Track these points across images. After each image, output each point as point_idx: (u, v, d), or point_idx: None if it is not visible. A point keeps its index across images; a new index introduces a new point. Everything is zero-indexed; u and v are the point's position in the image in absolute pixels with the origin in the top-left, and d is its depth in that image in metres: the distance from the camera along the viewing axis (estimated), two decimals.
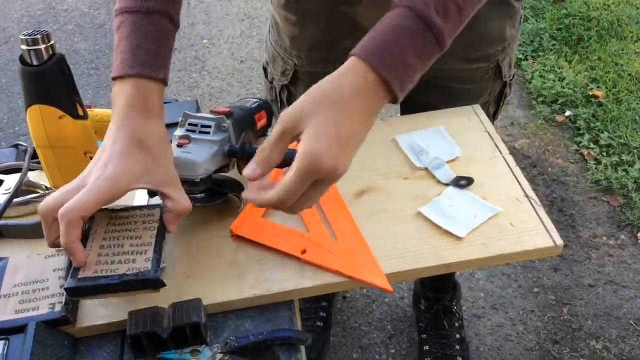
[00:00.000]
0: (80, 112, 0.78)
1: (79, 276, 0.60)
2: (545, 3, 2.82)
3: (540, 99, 2.32)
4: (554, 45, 2.57)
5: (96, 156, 0.64)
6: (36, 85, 0.75)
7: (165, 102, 0.99)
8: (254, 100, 0.90)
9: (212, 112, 0.78)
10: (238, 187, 0.77)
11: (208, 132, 0.73)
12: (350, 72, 0.58)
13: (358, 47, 0.59)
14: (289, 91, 1.03)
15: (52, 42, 0.74)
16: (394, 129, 0.90)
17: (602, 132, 2.09)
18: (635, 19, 2.68)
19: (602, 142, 2.07)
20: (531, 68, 2.47)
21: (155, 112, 0.67)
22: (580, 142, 2.10)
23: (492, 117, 1.06)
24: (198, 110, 0.96)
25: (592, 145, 2.08)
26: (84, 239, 0.62)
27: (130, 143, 0.63)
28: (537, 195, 0.78)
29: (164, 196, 0.65)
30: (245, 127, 0.81)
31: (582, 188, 1.94)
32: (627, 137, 2.06)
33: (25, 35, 0.72)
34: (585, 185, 1.95)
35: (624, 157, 1.99)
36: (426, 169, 0.82)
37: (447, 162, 0.83)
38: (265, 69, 1.08)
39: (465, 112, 0.92)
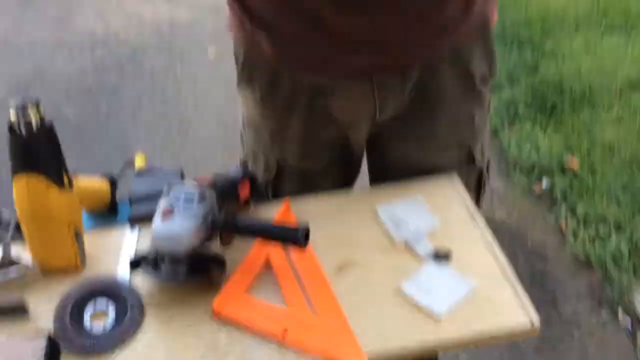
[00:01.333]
0: (67, 182, 0.79)
1: None
2: (520, 70, 2.92)
3: (517, 168, 2.39)
4: (529, 113, 2.65)
5: None
6: (24, 154, 0.75)
7: (150, 171, 1.02)
8: (237, 169, 0.92)
9: (196, 180, 0.79)
10: (220, 261, 0.78)
11: (192, 203, 0.74)
12: None
13: None
14: (274, 187, 1.04)
15: (41, 110, 0.74)
16: (374, 199, 0.92)
17: (578, 204, 2.15)
18: (607, 87, 2.78)
19: (579, 214, 2.12)
20: (507, 137, 2.54)
21: None
22: (558, 213, 2.15)
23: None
24: (182, 179, 0.98)
25: (569, 217, 2.13)
26: None
27: None
28: (517, 269, 0.79)
29: None
30: (229, 198, 0.83)
31: (562, 262, 1.98)
32: (603, 209, 2.12)
33: (15, 104, 0.72)
34: (565, 260, 1.99)
35: (600, 229, 2.04)
36: (406, 241, 0.84)
37: (427, 234, 0.85)
38: (245, 165, 1.09)
39: (443, 183, 0.95)
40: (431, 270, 0.80)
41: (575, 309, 1.82)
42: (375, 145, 1.01)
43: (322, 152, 0.99)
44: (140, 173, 1.00)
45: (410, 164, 0.98)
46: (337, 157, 1.02)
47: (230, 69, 3.29)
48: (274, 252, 0.82)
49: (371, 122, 0.95)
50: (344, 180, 1.07)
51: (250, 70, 0.95)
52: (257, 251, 0.83)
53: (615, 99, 2.70)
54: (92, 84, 3.02)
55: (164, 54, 3.25)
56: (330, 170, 1.03)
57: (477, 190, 1.07)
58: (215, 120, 2.77)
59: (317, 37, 0.84)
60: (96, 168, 2.53)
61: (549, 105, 2.67)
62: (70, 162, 0.79)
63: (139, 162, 1.12)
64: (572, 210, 2.15)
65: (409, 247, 0.84)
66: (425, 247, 0.83)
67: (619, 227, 2.05)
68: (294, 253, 0.82)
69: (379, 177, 1.01)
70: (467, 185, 1.03)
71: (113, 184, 0.97)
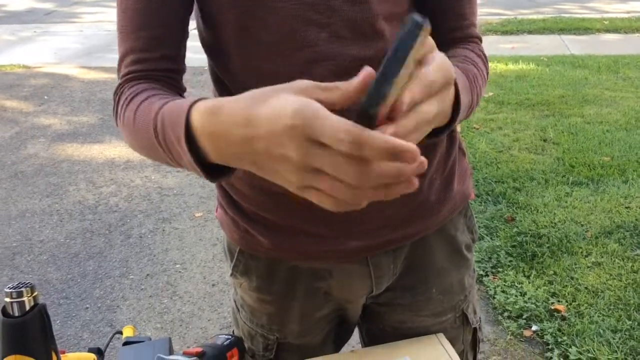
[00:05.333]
0: None
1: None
2: (497, 222, 3.04)
3: (505, 314, 2.39)
4: (510, 261, 2.72)
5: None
6: (15, 336, 0.77)
7: (137, 342, 1.02)
8: (226, 337, 0.93)
9: (185, 353, 0.80)
10: None
11: None
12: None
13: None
14: None
15: (35, 293, 0.78)
16: None
17: (571, 347, 2.13)
18: (582, 235, 2.89)
19: (572, 357, 2.09)
20: (492, 284, 2.57)
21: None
22: (551, 357, 2.11)
23: None
24: (171, 350, 0.98)
25: None
26: None
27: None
28: None
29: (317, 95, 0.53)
30: None
31: None
32: (595, 351, 2.09)
33: (10, 289, 0.77)
34: None
35: None
36: None
37: None
38: (234, 335, 1.07)
39: (431, 342, 0.96)
40: None
41: None
42: (370, 314, 1.03)
43: (321, 327, 1.01)
44: (128, 344, 1.01)
45: (406, 329, 1.00)
46: (334, 328, 1.04)
47: (216, 230, 3.40)
48: None
49: (367, 295, 0.99)
50: (340, 345, 1.08)
51: (245, 263, 0.96)
52: None
53: (592, 245, 2.79)
54: (79, 249, 3.06)
55: (152, 218, 3.34)
56: (328, 340, 1.04)
57: (474, 349, 1.07)
58: (202, 278, 2.78)
59: (314, 228, 0.87)
60: (81, 333, 2.50)
61: (529, 254, 2.74)
62: (54, 328, 0.81)
63: (128, 333, 1.15)
64: (565, 354, 2.12)
65: None
66: None
67: None
68: None
69: (376, 342, 1.02)
70: (463, 344, 1.05)
71: (100, 356, 0.99)
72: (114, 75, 6.20)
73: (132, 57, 0.78)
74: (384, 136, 0.49)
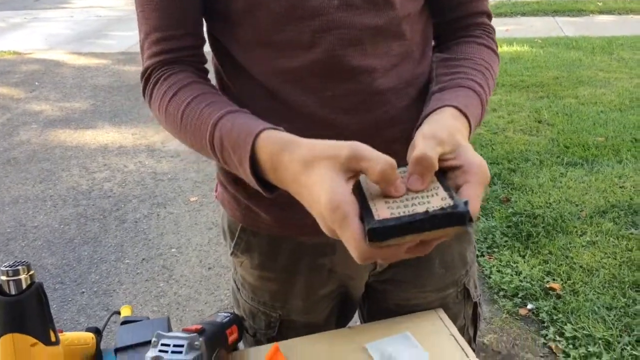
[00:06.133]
0: (53, 339, 0.79)
1: (377, 219, 0.56)
2: (492, 203, 3.04)
3: (501, 293, 2.40)
4: (506, 241, 2.72)
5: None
6: (12, 315, 0.76)
7: (136, 321, 1.01)
8: (225, 314, 0.93)
9: (184, 330, 0.79)
10: None
11: (180, 352, 0.74)
12: (458, 119, 0.70)
13: (455, 103, 0.72)
14: (277, 341, 1.00)
15: (32, 272, 0.77)
16: (364, 336, 0.92)
17: (566, 325, 2.14)
18: (577, 215, 2.90)
19: (567, 335, 2.10)
20: (488, 264, 2.58)
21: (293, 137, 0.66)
22: (547, 335, 2.13)
23: (473, 340, 1.08)
24: (170, 328, 0.98)
25: (558, 338, 2.11)
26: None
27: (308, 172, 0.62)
28: None
29: (359, 167, 0.59)
30: (218, 344, 0.83)
31: None
32: (590, 328, 2.11)
33: (6, 267, 0.76)
34: None
35: (590, 348, 2.01)
36: None
37: None
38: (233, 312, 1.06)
39: (430, 317, 0.97)
40: None
41: None
42: (374, 293, 1.03)
43: (324, 304, 1.01)
44: (126, 323, 1.01)
45: (409, 306, 1.00)
46: (337, 305, 1.03)
47: (211, 214, 3.39)
48: None
49: (370, 272, 0.99)
50: (343, 323, 1.08)
51: (247, 240, 0.96)
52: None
53: (587, 225, 2.80)
54: (74, 235, 3.04)
55: (147, 203, 3.33)
56: (331, 318, 1.04)
57: (474, 323, 1.08)
58: (198, 262, 2.78)
59: None
60: (77, 317, 2.50)
61: (525, 234, 2.75)
62: (51, 312, 0.80)
63: (125, 312, 1.14)
64: (561, 331, 2.13)
65: None
66: None
67: (608, 345, 2.03)
68: None
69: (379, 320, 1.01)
70: (465, 319, 1.05)
71: (98, 335, 0.98)
72: (105, 61, 6.20)
73: (157, 35, 0.78)
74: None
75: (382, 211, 0.57)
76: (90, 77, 5.70)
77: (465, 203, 0.55)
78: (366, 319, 1.09)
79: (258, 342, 1.02)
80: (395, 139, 0.81)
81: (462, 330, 1.00)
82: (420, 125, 0.71)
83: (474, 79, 0.78)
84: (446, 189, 0.59)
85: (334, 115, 0.79)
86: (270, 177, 0.66)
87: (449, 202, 0.56)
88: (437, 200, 0.57)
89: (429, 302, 1.00)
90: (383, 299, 1.02)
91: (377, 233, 0.55)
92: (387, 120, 0.81)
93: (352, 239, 0.56)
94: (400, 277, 0.98)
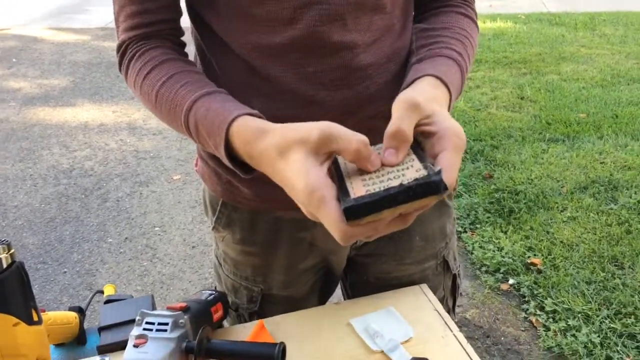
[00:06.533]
0: (35, 318, 0.78)
1: (353, 197, 0.56)
2: (475, 180, 3.06)
3: (483, 268, 2.43)
4: (488, 217, 2.75)
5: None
6: None
7: (120, 299, 1.01)
8: (209, 292, 0.93)
9: (168, 307, 0.79)
10: None
11: (165, 330, 0.74)
12: (438, 87, 0.71)
13: (433, 72, 0.72)
14: (259, 315, 1.02)
15: (12, 250, 0.76)
16: (348, 312, 0.93)
17: (546, 299, 2.18)
18: (558, 191, 2.93)
19: (547, 309, 2.14)
20: (471, 240, 2.60)
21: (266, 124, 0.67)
22: (527, 309, 2.16)
23: (452, 310, 1.09)
24: (154, 306, 0.97)
25: (538, 312, 2.14)
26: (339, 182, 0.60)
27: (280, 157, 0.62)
28: None
29: (332, 149, 0.60)
30: (203, 321, 0.83)
31: (536, 356, 1.96)
32: (570, 302, 2.15)
33: None
34: (539, 354, 1.97)
35: (570, 322, 2.05)
36: (382, 351, 0.84)
37: (402, 343, 0.85)
38: (217, 290, 1.06)
39: (414, 292, 0.97)
40: None
41: None
42: (354, 266, 1.04)
43: (306, 278, 1.01)
44: (110, 302, 1.00)
45: (390, 279, 1.01)
46: (319, 279, 1.03)
47: (194, 192, 3.37)
48: None
49: (351, 246, 0.99)
50: (325, 297, 1.09)
51: (228, 215, 0.95)
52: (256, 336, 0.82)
53: (568, 200, 2.83)
54: (55, 214, 3.01)
55: (129, 182, 3.30)
56: (313, 292, 1.04)
57: (453, 294, 1.09)
58: (182, 240, 2.77)
59: None
60: (60, 297, 2.48)
61: (507, 210, 2.78)
62: (33, 292, 0.79)
63: (109, 291, 1.13)
64: (541, 305, 2.17)
65: (386, 357, 0.84)
66: (401, 356, 0.83)
67: (587, 319, 2.07)
68: None
69: (359, 294, 1.02)
70: (444, 290, 1.06)
71: (81, 314, 0.98)
72: (85, 37, 6.08)
73: (132, 8, 0.77)
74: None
75: (358, 189, 0.57)
76: (70, 53, 5.59)
77: (439, 172, 0.55)
78: (348, 292, 1.10)
79: (240, 317, 1.03)
80: (375, 115, 0.81)
81: (441, 302, 1.01)
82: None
83: (452, 48, 0.78)
84: (421, 159, 0.59)
85: (314, 92, 0.78)
86: (247, 162, 0.67)
87: (422, 172, 0.56)
88: (411, 172, 0.57)
89: (409, 274, 1.00)
90: (364, 272, 1.03)
91: (353, 211, 0.55)
92: (368, 96, 0.81)
93: (331, 221, 0.57)
94: (381, 250, 0.99)
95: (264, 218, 0.93)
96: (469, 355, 0.83)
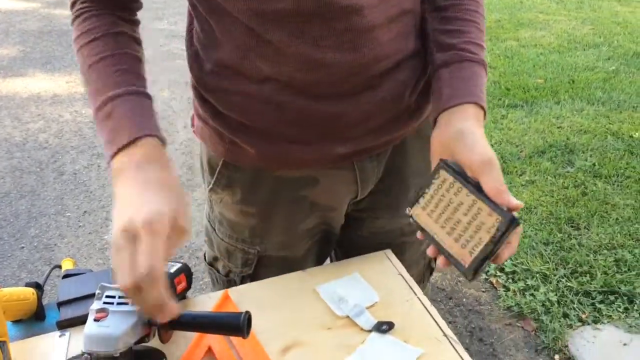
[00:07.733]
0: None
1: (466, 265, 0.70)
2: None
3: None
4: None
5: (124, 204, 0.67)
6: None
7: (79, 274, 0.98)
8: (172, 264, 0.91)
9: None
10: (161, 356, 0.76)
11: (127, 303, 0.72)
12: (479, 119, 0.76)
13: (474, 98, 0.76)
14: (252, 278, 1.01)
15: None
16: (314, 279, 0.93)
17: (506, 260, 2.23)
18: (517, 155, 2.98)
19: (507, 270, 2.20)
20: None
21: (170, 164, 0.72)
22: (488, 271, 2.22)
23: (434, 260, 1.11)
24: (113, 279, 0.95)
25: (498, 274, 2.20)
26: None
27: (157, 187, 0.68)
28: (456, 326, 0.82)
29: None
30: None
31: (497, 315, 2.02)
32: (528, 263, 2.21)
33: None
34: (499, 313, 2.03)
35: (529, 282, 2.11)
36: (348, 316, 0.85)
37: (367, 308, 0.86)
38: (212, 265, 1.05)
39: (378, 258, 0.98)
40: (375, 342, 0.80)
41: (514, 359, 1.84)
42: (351, 221, 1.03)
43: (304, 240, 1.00)
44: (68, 277, 0.97)
45: (383, 234, 1.02)
46: (317, 240, 1.02)
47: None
48: (215, 339, 0.80)
49: (350, 202, 0.98)
50: (321, 260, 1.08)
51: (229, 175, 0.94)
52: (197, 341, 0.80)
53: (526, 165, 2.89)
54: (9, 188, 2.92)
55: (86, 154, 3.21)
56: (310, 253, 1.03)
57: None
58: None
59: (301, 135, 0.85)
60: (19, 273, 2.41)
61: None
62: None
63: (67, 266, 1.10)
64: (501, 267, 2.22)
65: (352, 322, 0.84)
66: (367, 321, 0.84)
67: (545, 278, 2.13)
68: (236, 339, 0.80)
69: (352, 250, 1.02)
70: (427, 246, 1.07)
71: (39, 290, 0.94)
72: (35, 5, 5.83)
73: None
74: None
75: (464, 256, 0.69)
76: (19, 21, 5.36)
77: (509, 210, 0.66)
78: (342, 251, 1.10)
79: (231, 282, 1.02)
80: (377, 75, 0.81)
81: (423, 255, 1.04)
82: (440, 114, 0.77)
83: (474, 41, 0.80)
84: (485, 200, 0.69)
85: (320, 55, 0.77)
86: (121, 164, 0.71)
87: (497, 218, 0.67)
88: (487, 217, 0.68)
89: (400, 227, 1.01)
90: (359, 227, 1.04)
91: (476, 273, 0.69)
92: (373, 56, 0.80)
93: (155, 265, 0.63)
94: (377, 204, 1.00)
95: (265, 177, 0.92)
96: (432, 317, 0.85)
